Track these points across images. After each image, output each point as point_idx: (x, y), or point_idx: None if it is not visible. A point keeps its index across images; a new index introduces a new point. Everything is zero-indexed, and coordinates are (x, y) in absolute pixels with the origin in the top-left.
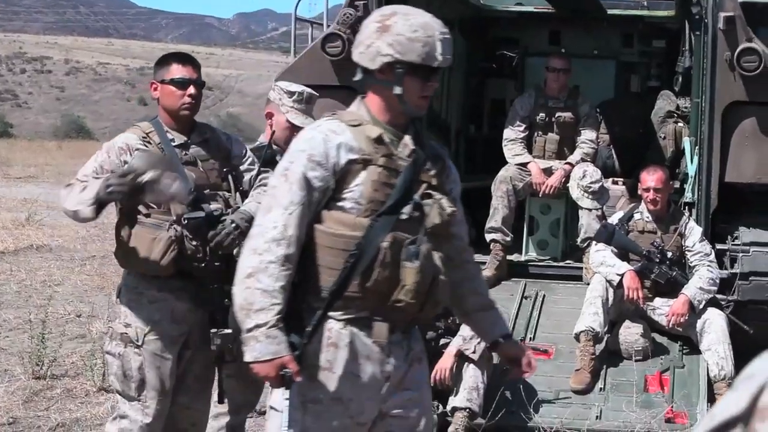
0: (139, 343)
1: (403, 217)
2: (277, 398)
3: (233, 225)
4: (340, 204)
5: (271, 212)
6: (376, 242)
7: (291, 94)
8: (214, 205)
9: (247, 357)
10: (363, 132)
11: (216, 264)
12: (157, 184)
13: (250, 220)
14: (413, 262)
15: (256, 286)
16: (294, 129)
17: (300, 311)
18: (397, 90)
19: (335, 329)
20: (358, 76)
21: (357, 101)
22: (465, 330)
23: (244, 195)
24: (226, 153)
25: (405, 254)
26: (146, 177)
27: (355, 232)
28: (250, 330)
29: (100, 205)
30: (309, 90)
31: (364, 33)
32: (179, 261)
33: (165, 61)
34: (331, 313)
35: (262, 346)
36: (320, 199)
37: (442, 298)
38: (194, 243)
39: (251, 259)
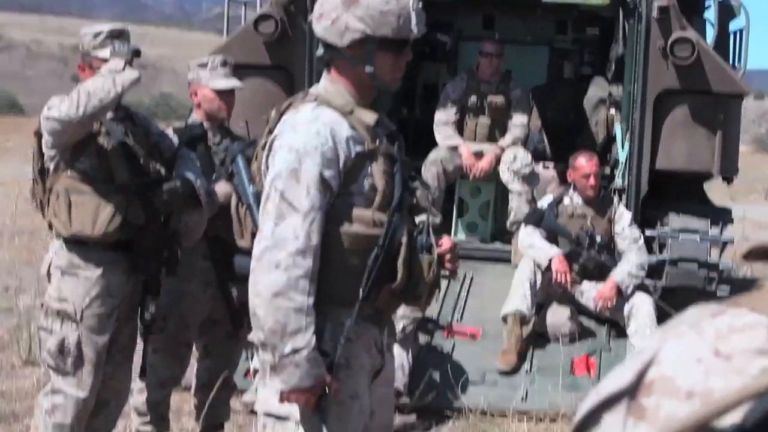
0: (77, 319)
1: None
2: (272, 401)
3: (179, 185)
4: (348, 200)
5: (286, 220)
6: (397, 238)
7: (203, 65)
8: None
9: (285, 385)
10: (359, 120)
11: (156, 231)
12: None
13: (189, 182)
14: (426, 254)
15: (288, 305)
16: (221, 96)
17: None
18: (369, 69)
19: (347, 325)
20: (320, 52)
21: (328, 79)
22: None
23: (168, 169)
24: (146, 129)
25: (418, 246)
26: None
27: (374, 230)
28: (287, 355)
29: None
30: (220, 55)
31: (328, 4)
32: (123, 226)
33: (101, 41)
34: (341, 313)
35: (305, 372)
36: (331, 199)
37: (440, 288)
38: (138, 208)
39: (275, 276)
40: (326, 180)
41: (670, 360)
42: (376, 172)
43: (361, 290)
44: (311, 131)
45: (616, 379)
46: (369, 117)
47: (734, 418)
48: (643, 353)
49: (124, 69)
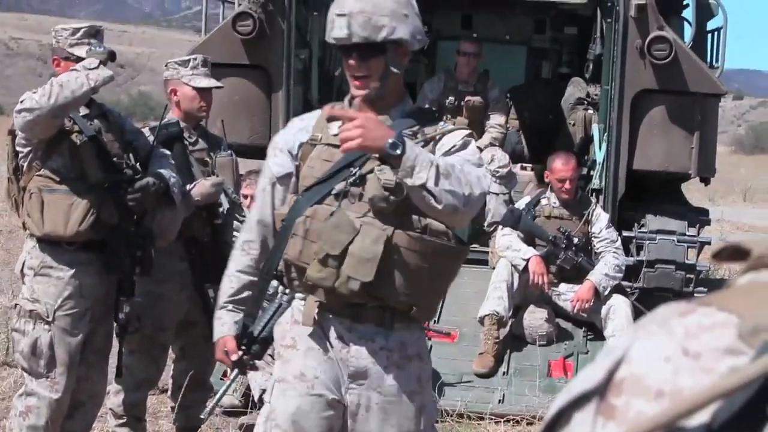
0: (50, 320)
1: (335, 191)
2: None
3: (151, 182)
4: (298, 185)
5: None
6: (294, 217)
7: (185, 62)
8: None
9: None
10: (325, 114)
11: (129, 229)
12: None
13: (163, 180)
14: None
15: (226, 273)
16: (202, 95)
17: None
18: (338, 71)
19: (297, 307)
20: None
21: None
22: None
23: (142, 167)
24: (120, 127)
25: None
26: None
27: (285, 209)
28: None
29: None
30: (201, 54)
31: None
32: (96, 226)
33: (78, 38)
34: (297, 294)
35: (215, 328)
36: (285, 185)
37: (359, 277)
38: (111, 207)
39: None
40: (270, 167)
41: (639, 359)
42: (308, 159)
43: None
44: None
45: (587, 377)
46: (326, 112)
47: (703, 417)
48: (614, 351)
49: (98, 68)
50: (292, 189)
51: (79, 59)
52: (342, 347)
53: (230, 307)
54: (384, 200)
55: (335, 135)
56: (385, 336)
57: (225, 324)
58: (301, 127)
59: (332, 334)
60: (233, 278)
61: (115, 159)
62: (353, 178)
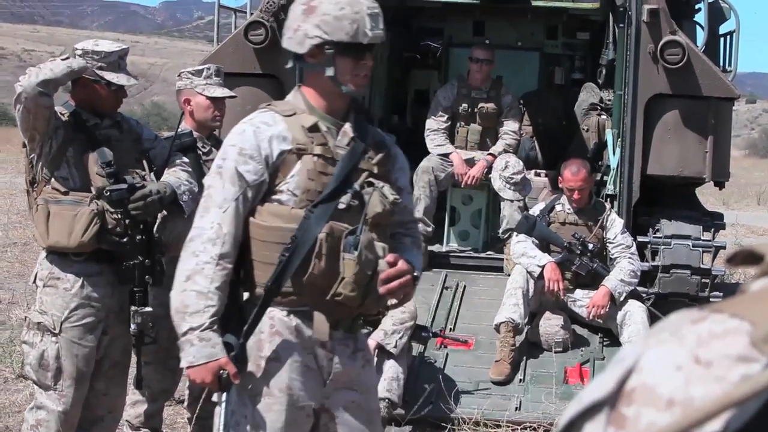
0: (56, 331)
1: (342, 206)
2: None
3: (154, 190)
4: (276, 197)
5: (209, 212)
6: (312, 234)
7: (199, 72)
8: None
9: (183, 362)
10: (297, 121)
11: (137, 238)
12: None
13: (169, 188)
14: (352, 253)
15: (192, 288)
16: (216, 104)
17: (241, 308)
18: (329, 72)
19: (278, 318)
20: (289, 64)
21: (294, 91)
22: (386, 324)
23: (158, 176)
24: (137, 136)
25: (344, 245)
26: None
27: (290, 224)
28: (184, 333)
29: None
30: (214, 64)
31: (291, 17)
32: (101, 236)
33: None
34: (273, 306)
35: (196, 350)
36: (256, 193)
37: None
38: (115, 217)
39: (189, 262)
40: (241, 174)
41: (650, 368)
42: (302, 171)
43: (269, 278)
44: (238, 131)
45: (598, 387)
46: (306, 120)
47: (714, 427)
48: (625, 360)
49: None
50: (257, 200)
51: (109, 83)
52: (325, 354)
53: (215, 327)
54: (390, 215)
55: (322, 145)
56: (354, 338)
57: (216, 345)
58: (274, 134)
59: (321, 344)
60: (213, 296)
61: (120, 169)
62: (352, 192)
